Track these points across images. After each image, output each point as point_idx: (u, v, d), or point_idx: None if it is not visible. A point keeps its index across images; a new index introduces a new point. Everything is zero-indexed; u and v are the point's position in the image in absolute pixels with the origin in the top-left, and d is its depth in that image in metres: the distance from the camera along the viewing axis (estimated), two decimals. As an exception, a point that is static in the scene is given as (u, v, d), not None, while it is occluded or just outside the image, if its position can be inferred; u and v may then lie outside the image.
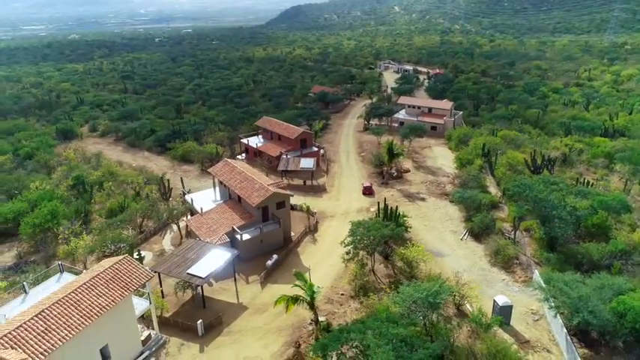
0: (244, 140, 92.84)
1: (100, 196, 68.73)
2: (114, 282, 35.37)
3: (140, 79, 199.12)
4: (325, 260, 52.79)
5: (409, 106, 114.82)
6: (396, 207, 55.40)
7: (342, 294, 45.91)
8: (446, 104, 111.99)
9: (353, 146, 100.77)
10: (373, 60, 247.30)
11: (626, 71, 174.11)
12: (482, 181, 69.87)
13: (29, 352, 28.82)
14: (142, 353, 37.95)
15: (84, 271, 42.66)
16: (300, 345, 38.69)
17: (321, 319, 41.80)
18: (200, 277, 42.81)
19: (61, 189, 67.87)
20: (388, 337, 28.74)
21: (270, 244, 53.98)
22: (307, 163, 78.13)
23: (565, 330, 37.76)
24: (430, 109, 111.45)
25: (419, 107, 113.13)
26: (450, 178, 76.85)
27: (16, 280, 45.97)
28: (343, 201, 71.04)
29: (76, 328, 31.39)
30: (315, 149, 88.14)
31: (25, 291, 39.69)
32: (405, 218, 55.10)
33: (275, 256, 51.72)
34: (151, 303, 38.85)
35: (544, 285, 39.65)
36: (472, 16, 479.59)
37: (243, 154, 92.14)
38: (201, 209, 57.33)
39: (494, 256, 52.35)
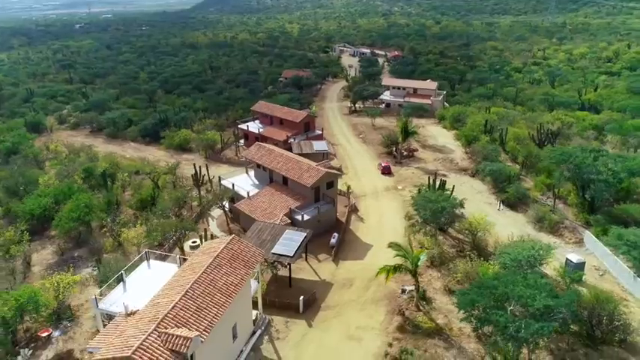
0: (243, 126, 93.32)
1: (115, 188, 67.59)
2: (235, 261, 36.76)
3: (83, 68, 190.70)
4: (383, 236, 55.83)
5: (394, 88, 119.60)
6: (444, 181, 59.60)
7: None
8: (430, 84, 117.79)
9: (347, 129, 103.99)
10: (326, 43, 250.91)
11: (578, 50, 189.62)
12: (499, 155, 75.59)
13: (193, 330, 29.93)
14: (253, 333, 39.59)
15: (177, 257, 43.10)
16: (404, 312, 41.72)
17: (410, 287, 45.12)
18: (289, 257, 44.59)
19: (78, 182, 66.09)
20: (536, 286, 32.62)
21: (325, 223, 56.32)
22: (321, 145, 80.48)
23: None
24: (415, 90, 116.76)
25: (404, 88, 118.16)
26: (467, 154, 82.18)
27: (91, 273, 45.56)
28: (365, 181, 74.18)
29: (223, 306, 32.79)
30: (320, 132, 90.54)
31: (123, 280, 39.76)
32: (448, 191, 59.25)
33: (336, 235, 54.22)
34: (258, 283, 40.33)
35: (617, 241, 45.15)
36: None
37: (242, 140, 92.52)
38: (248, 193, 58.44)
39: (538, 222, 57.76)
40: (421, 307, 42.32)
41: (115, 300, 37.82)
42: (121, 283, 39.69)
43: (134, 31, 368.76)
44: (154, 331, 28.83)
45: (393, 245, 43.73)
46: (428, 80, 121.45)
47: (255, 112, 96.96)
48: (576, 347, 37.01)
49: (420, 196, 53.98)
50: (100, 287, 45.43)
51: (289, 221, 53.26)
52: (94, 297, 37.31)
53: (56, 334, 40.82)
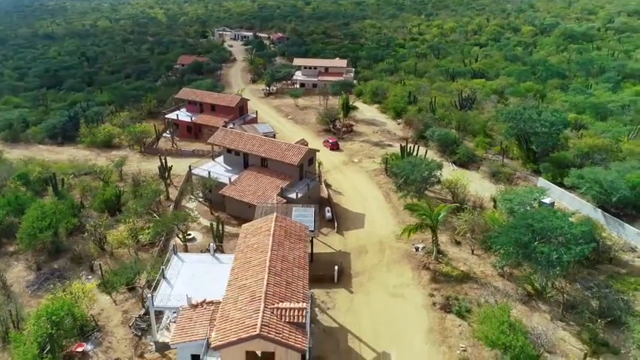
0: (171, 115, 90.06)
1: (64, 191, 62.48)
2: (291, 237, 38.12)
3: None
4: (367, 204, 59.68)
5: (305, 67, 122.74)
6: (417, 147, 64.90)
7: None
8: (340, 62, 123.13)
9: (272, 112, 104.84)
10: (203, 28, 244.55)
11: (447, 25, 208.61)
12: (435, 122, 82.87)
13: (295, 301, 31.05)
14: (304, 307, 40.98)
15: (211, 245, 42.37)
16: (428, 267, 45.89)
17: (422, 245, 49.50)
18: (311, 231, 46.07)
19: (20, 189, 59.88)
20: (565, 219, 38.82)
21: (314, 199, 58.25)
22: (266, 128, 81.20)
23: (600, 210, 52.62)
24: (327, 69, 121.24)
25: (315, 67, 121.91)
26: (399, 124, 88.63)
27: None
28: (320, 158, 76.63)
29: (304, 278, 34.33)
30: (254, 115, 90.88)
31: (164, 277, 38.53)
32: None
33: (329, 208, 56.67)
34: (302, 258, 41.54)
35: (578, 180, 53.81)
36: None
37: (168, 131, 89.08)
38: (230, 179, 58.10)
39: (493, 176, 65.58)
40: (440, 260, 46.83)
41: (166, 296, 36.75)
42: (163, 279, 38.47)
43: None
44: (266, 309, 29.46)
45: (409, 206, 47.66)
46: (337, 58, 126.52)
47: (179, 101, 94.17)
48: (580, 270, 44.28)
49: (404, 161, 58.44)
50: (109, 294, 43.76)
51: (284, 200, 54.33)
52: (149, 296, 35.90)
53: (89, 347, 38.23)
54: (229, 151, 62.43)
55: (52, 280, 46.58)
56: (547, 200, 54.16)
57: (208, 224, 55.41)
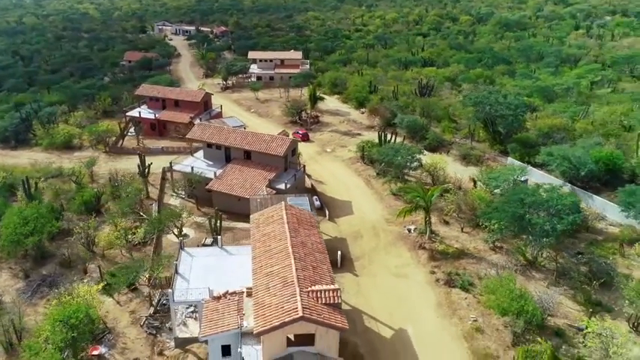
0: (133, 113, 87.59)
1: (38, 195, 59.87)
2: (303, 224, 38.99)
3: None
4: (351, 191, 61.14)
5: (260, 60, 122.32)
6: (395, 134, 66.80)
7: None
8: (296, 54, 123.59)
9: (233, 105, 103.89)
10: (141, 23, 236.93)
11: (389, 15, 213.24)
12: (400, 109, 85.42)
13: (325, 284, 32.03)
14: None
15: (219, 238, 42.23)
16: (424, 246, 47.92)
17: (413, 227, 51.54)
18: (310, 219, 47.00)
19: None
20: (553, 192, 41.85)
21: (301, 189, 58.99)
22: (234, 122, 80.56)
23: (569, 184, 56.65)
24: (282, 61, 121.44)
25: (271, 60, 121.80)
26: (363, 113, 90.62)
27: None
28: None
29: (327, 262, 35.32)
30: (218, 110, 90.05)
31: (177, 272, 38.29)
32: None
33: (317, 197, 57.71)
34: (310, 245, 42.32)
35: (548, 157, 57.61)
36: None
37: (132, 129, 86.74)
38: (215, 173, 57.74)
39: (464, 159, 68.79)
40: (433, 239, 49.00)
41: (185, 291, 36.60)
42: (177, 275, 38.25)
43: None
44: (302, 292, 30.20)
45: (403, 189, 49.52)
46: (292, 50, 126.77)
47: (138, 97, 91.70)
48: (563, 239, 47.69)
49: (386, 148, 60.28)
50: (111, 295, 43.03)
51: (274, 192, 54.73)
52: (170, 291, 35.68)
53: (104, 350, 37.46)
54: (209, 145, 61.90)
55: (45, 286, 45.00)
56: (522, 178, 57.70)
57: (198, 220, 55.40)
